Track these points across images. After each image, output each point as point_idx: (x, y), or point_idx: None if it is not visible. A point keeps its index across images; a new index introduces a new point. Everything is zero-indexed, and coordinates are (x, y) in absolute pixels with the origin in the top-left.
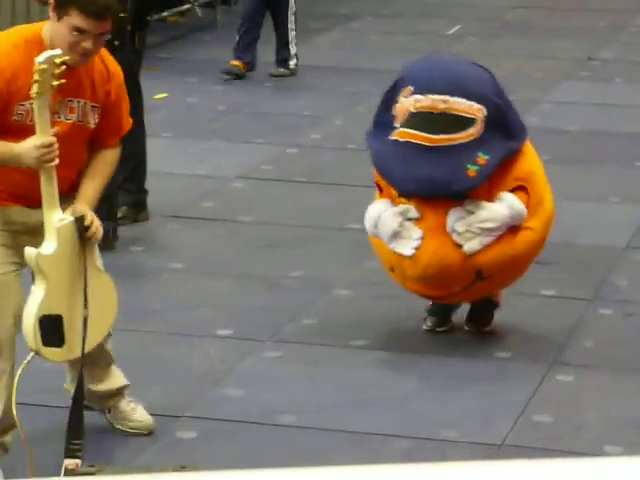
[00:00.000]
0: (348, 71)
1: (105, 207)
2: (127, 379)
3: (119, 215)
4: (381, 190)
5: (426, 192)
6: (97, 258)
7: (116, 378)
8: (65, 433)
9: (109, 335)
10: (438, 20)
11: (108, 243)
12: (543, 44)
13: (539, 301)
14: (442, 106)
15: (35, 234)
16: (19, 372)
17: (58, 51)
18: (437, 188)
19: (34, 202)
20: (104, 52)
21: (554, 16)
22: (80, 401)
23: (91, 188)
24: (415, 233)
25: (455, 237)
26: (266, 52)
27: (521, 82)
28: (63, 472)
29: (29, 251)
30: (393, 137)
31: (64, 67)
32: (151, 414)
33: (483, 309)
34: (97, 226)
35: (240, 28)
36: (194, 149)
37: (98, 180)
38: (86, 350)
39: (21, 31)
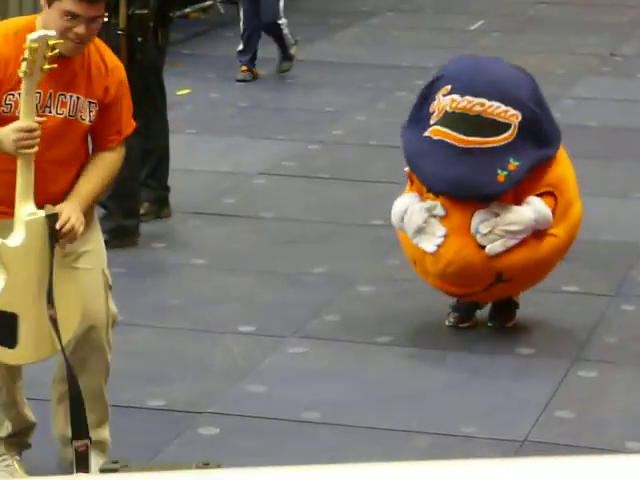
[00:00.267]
0: (369, 67)
1: (128, 204)
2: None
3: (141, 212)
4: (412, 182)
5: (454, 193)
6: (76, 259)
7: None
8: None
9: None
10: (460, 15)
11: (130, 240)
12: (565, 40)
13: (561, 297)
14: (478, 109)
15: None
16: None
17: (52, 32)
18: (465, 190)
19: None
20: (103, 46)
21: (576, 12)
22: (75, 383)
23: (85, 187)
24: (439, 230)
25: (478, 238)
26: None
27: (543, 78)
28: (74, 453)
29: None
30: (427, 134)
31: (57, 51)
32: (173, 410)
33: (504, 307)
34: (71, 227)
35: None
36: (216, 145)
37: (94, 181)
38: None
39: (11, 23)
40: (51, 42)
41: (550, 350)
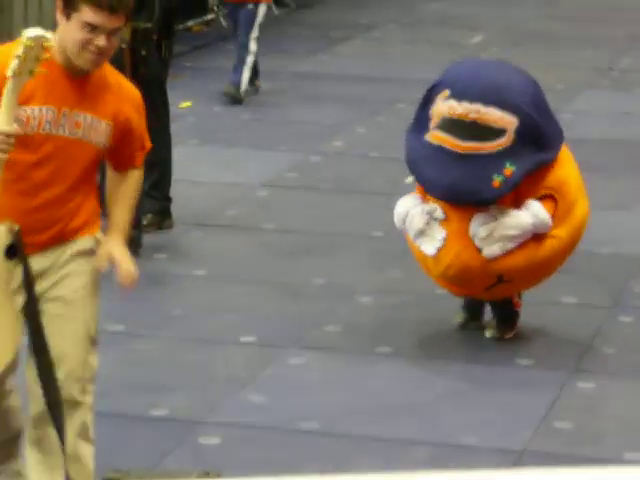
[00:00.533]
0: (370, 79)
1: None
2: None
3: (144, 222)
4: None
5: (450, 198)
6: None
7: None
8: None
9: None
10: (460, 29)
11: (133, 250)
12: (564, 54)
13: (560, 308)
14: (473, 115)
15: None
16: None
17: (49, 34)
18: (460, 195)
19: (27, 248)
20: (117, 73)
21: (574, 26)
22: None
23: (122, 217)
24: (439, 233)
25: (476, 241)
26: (288, 60)
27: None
28: None
29: None
30: (427, 138)
31: (49, 55)
32: (175, 419)
33: (505, 318)
34: (129, 273)
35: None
36: (218, 157)
37: (128, 208)
38: None
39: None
40: (46, 44)
41: (549, 361)
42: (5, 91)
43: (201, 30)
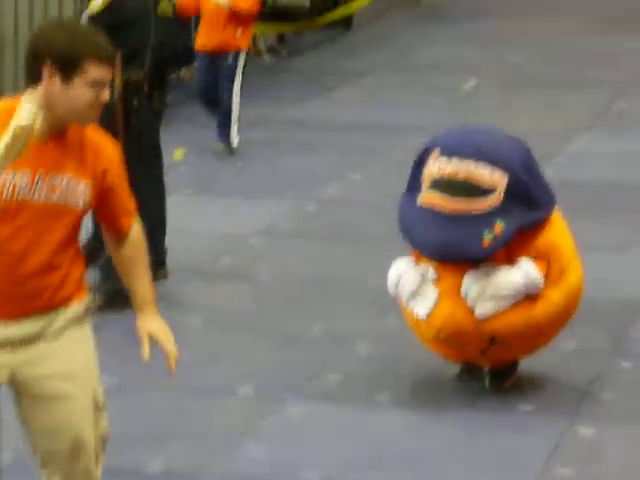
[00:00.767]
0: (363, 126)
1: None
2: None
3: None
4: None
5: (440, 256)
6: None
7: None
8: None
9: None
10: (453, 74)
11: (128, 303)
12: (558, 97)
13: (559, 354)
14: (463, 174)
15: (17, 347)
16: None
17: (40, 114)
18: (450, 253)
19: (13, 313)
20: (94, 128)
21: (568, 69)
22: None
23: (142, 285)
24: (431, 293)
25: (468, 301)
26: (281, 108)
27: (537, 135)
28: None
29: None
30: (419, 201)
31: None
32: (172, 473)
33: (503, 367)
34: (174, 352)
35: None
36: (213, 206)
37: (141, 271)
38: None
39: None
40: (37, 127)
41: (549, 407)
42: None
43: (192, 78)
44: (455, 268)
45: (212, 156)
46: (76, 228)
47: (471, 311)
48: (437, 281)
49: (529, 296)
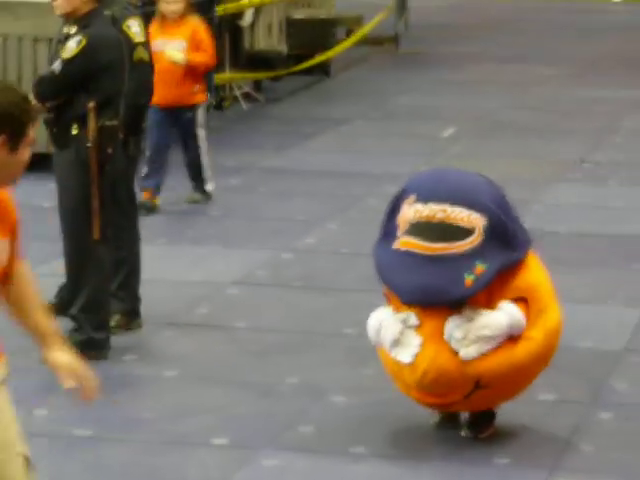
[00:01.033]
0: (340, 174)
1: (98, 316)
2: None
3: (112, 324)
4: (389, 300)
5: (422, 300)
6: None
7: None
8: None
9: None
10: (431, 122)
11: (101, 353)
12: (535, 145)
13: (538, 405)
14: (440, 215)
15: None
16: None
17: None
18: (433, 296)
19: None
20: None
21: (546, 117)
22: None
23: (42, 319)
24: (414, 340)
25: (453, 344)
26: (258, 155)
27: (513, 183)
28: None
29: None
30: (395, 246)
31: None
32: None
33: (481, 417)
34: (90, 381)
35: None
36: (188, 255)
37: (38, 305)
38: None
39: None
40: None
41: (528, 459)
42: None
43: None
44: (437, 313)
45: (187, 204)
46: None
47: (455, 355)
48: (419, 327)
49: (510, 337)
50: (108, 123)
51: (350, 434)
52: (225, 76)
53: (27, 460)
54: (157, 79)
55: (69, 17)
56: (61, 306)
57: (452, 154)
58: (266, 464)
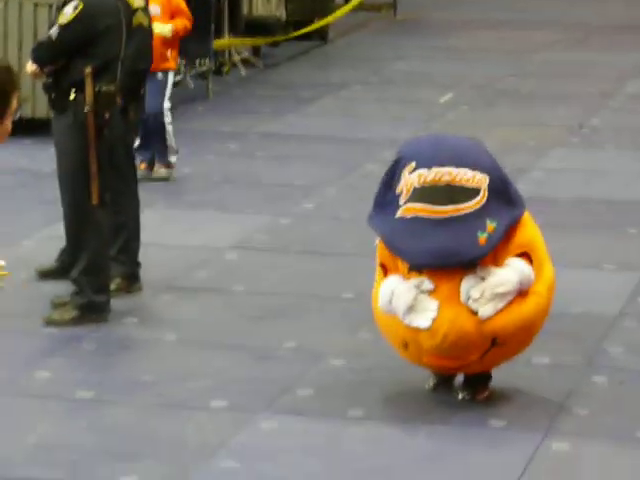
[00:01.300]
0: (339, 140)
1: (99, 280)
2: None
3: (112, 287)
4: (386, 271)
5: (439, 263)
6: None
7: None
8: None
9: None
10: (429, 88)
11: (101, 316)
12: (534, 112)
13: (533, 369)
14: (447, 178)
15: None
16: None
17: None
18: (449, 257)
19: None
20: None
21: (544, 84)
22: None
23: None
24: (431, 304)
25: (470, 304)
26: (256, 120)
27: (512, 150)
28: None
29: None
30: (400, 214)
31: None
32: None
33: (477, 379)
34: None
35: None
36: (188, 220)
37: None
38: None
39: None
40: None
41: (523, 422)
42: None
43: None
44: (451, 276)
45: (187, 169)
46: None
47: (473, 315)
48: (434, 292)
49: (520, 293)
50: (105, 88)
51: (347, 397)
52: (224, 42)
53: None
54: None
55: None
56: (62, 269)
57: (449, 120)
58: (264, 427)
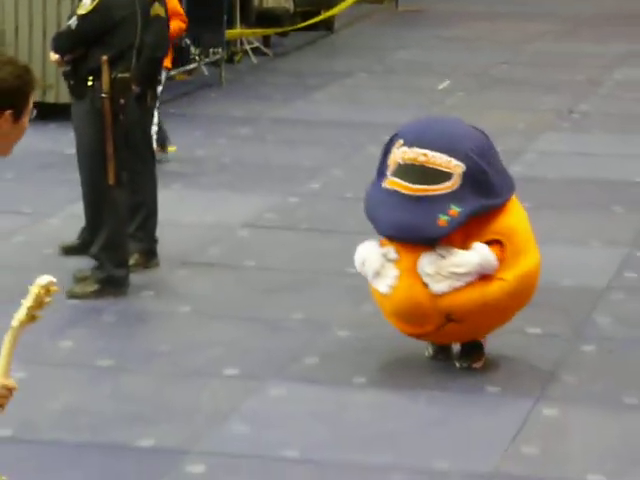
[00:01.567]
0: (344, 124)
1: (118, 255)
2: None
3: (131, 262)
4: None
5: (400, 236)
6: None
7: None
8: None
9: None
10: (428, 76)
11: (121, 289)
12: (526, 97)
13: (525, 338)
14: (422, 159)
15: None
16: None
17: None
18: (409, 232)
19: None
20: None
21: (536, 71)
22: None
23: None
24: (392, 272)
25: (424, 278)
26: (267, 106)
27: (506, 133)
28: None
29: None
30: (384, 185)
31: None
32: (161, 449)
33: (471, 348)
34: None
35: None
36: (201, 199)
37: None
38: None
39: None
40: (52, 289)
41: (516, 388)
42: (6, 340)
43: (184, 79)
44: (414, 249)
45: (201, 152)
46: None
47: (427, 288)
48: (398, 261)
49: (484, 277)
50: (120, 75)
51: (352, 365)
52: (236, 32)
53: None
54: None
55: None
56: (83, 246)
57: (448, 106)
58: (273, 393)
